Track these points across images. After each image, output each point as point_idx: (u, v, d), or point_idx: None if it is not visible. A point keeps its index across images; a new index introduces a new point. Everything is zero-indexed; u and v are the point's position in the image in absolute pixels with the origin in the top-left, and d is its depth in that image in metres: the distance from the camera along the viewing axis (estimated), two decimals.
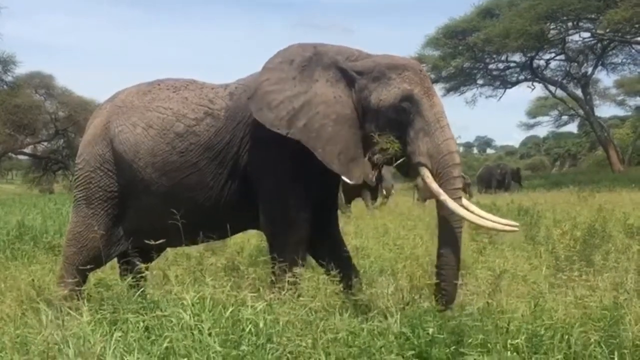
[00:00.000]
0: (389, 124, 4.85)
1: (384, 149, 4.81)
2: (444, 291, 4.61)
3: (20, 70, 40.87)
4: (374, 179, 5.07)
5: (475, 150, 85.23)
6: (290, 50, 5.17)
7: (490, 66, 42.66)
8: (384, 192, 17.26)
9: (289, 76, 5.02)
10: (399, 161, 4.89)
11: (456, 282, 4.66)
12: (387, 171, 15.45)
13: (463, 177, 20.72)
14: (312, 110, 4.91)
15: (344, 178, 5.06)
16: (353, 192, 15.58)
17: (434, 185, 4.71)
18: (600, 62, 41.46)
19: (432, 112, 4.81)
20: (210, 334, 3.69)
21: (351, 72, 4.99)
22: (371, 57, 5.12)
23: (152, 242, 4.85)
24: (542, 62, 42.34)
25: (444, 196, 4.65)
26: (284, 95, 4.94)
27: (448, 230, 4.74)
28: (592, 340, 3.80)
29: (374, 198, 16.98)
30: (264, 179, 5.09)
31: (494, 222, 4.83)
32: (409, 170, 5.04)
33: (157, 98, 5.37)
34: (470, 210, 4.77)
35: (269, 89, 4.97)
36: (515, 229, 4.88)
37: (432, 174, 4.75)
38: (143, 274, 4.69)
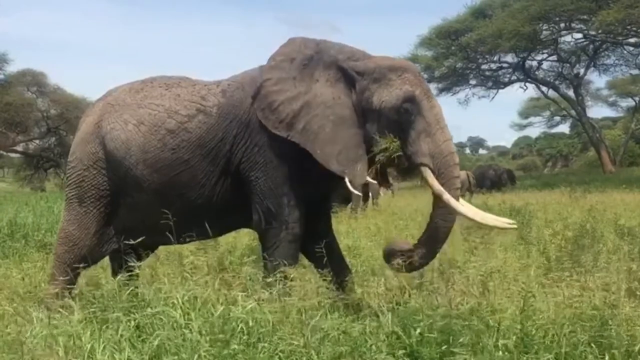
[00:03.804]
0: (390, 125, 4.90)
1: (385, 149, 4.87)
2: (411, 260, 4.80)
3: (12, 67, 40.78)
4: (370, 180, 5.14)
5: (467, 151, 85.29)
6: (292, 46, 5.19)
7: (483, 67, 42.75)
8: (372, 194, 17.29)
9: (290, 76, 5.04)
10: (397, 161, 4.97)
11: (424, 261, 4.87)
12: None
13: (472, 178, 20.53)
14: (311, 112, 4.94)
15: (346, 180, 5.11)
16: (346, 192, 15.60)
17: (437, 185, 4.79)
18: (593, 63, 41.63)
19: (432, 113, 4.90)
20: (200, 333, 3.69)
21: (352, 72, 5.02)
22: (371, 58, 5.15)
23: (142, 241, 4.85)
24: (534, 63, 42.55)
25: (447, 195, 4.74)
26: (284, 97, 4.97)
27: (437, 224, 4.86)
28: (583, 340, 3.81)
29: (365, 200, 17.00)
30: (257, 177, 5.08)
31: (494, 220, 4.98)
32: (409, 170, 5.11)
33: (149, 95, 5.36)
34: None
35: (270, 90, 5.00)
36: (514, 226, 5.06)
37: (434, 174, 4.82)
38: (134, 273, 4.68)
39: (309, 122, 4.93)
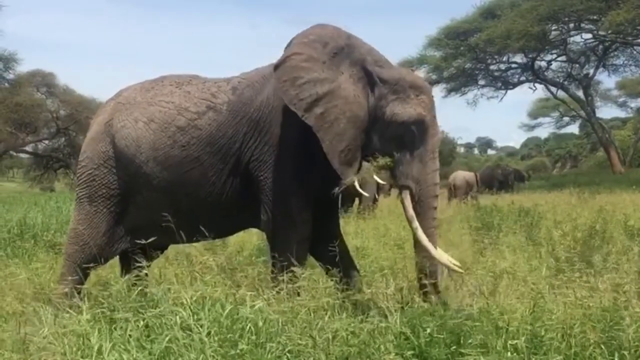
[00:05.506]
0: (392, 140, 4.97)
1: (380, 164, 4.99)
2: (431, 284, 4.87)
3: (22, 68, 40.88)
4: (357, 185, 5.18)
5: (476, 151, 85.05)
6: (325, 31, 5.16)
7: (492, 67, 42.55)
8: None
9: (320, 58, 5.02)
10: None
11: (437, 275, 4.95)
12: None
13: (476, 181, 20.10)
14: (332, 102, 4.94)
15: (355, 183, 5.14)
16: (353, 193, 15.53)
17: (410, 212, 4.93)
18: (602, 64, 41.35)
19: (432, 141, 4.99)
20: (209, 333, 3.69)
21: (375, 77, 5.04)
22: (396, 69, 5.22)
23: (150, 240, 4.86)
24: (543, 64, 42.28)
25: (415, 224, 4.90)
26: (310, 76, 4.95)
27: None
28: (592, 341, 3.80)
29: (375, 201, 16.93)
30: (266, 177, 5.09)
31: (446, 260, 4.94)
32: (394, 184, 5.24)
33: (159, 93, 5.37)
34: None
35: (298, 64, 4.96)
36: (460, 270, 4.99)
37: (413, 198, 4.94)
38: (143, 273, 4.68)
39: (328, 110, 4.92)
